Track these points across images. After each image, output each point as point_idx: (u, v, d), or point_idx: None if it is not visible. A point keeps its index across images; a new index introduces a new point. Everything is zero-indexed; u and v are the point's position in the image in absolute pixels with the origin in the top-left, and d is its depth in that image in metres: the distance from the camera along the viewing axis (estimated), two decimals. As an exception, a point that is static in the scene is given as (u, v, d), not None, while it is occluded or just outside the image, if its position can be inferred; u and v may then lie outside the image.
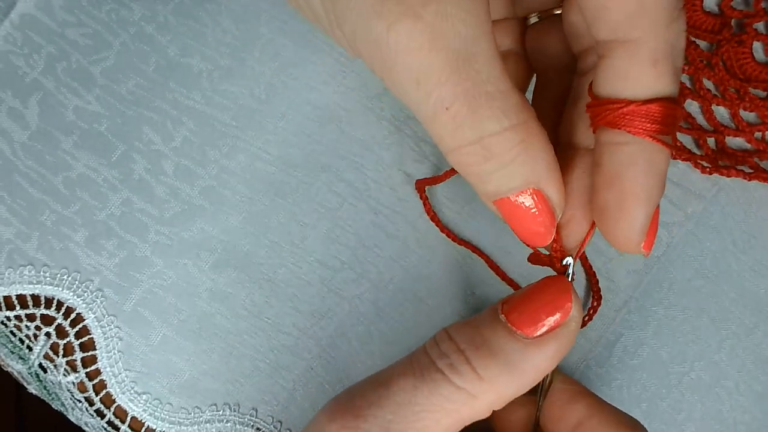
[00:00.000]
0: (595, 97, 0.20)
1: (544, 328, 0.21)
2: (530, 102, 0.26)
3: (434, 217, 0.31)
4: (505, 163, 0.20)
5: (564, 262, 0.23)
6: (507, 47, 0.26)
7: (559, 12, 0.25)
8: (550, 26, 0.25)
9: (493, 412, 0.27)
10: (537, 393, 0.25)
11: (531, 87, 0.27)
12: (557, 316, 0.21)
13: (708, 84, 0.32)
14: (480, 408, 0.21)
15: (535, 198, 0.21)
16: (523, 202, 0.21)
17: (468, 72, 0.19)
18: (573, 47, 0.24)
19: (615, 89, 0.20)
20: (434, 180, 0.30)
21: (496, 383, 0.21)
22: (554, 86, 0.25)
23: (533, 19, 0.26)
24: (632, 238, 0.21)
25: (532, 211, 0.21)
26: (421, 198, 0.31)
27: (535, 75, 0.27)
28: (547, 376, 0.24)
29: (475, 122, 0.19)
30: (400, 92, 0.20)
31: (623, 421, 0.23)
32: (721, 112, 0.32)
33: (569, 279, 0.23)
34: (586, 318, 0.31)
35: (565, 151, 0.23)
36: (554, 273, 0.24)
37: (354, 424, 0.20)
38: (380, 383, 0.21)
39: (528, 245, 0.23)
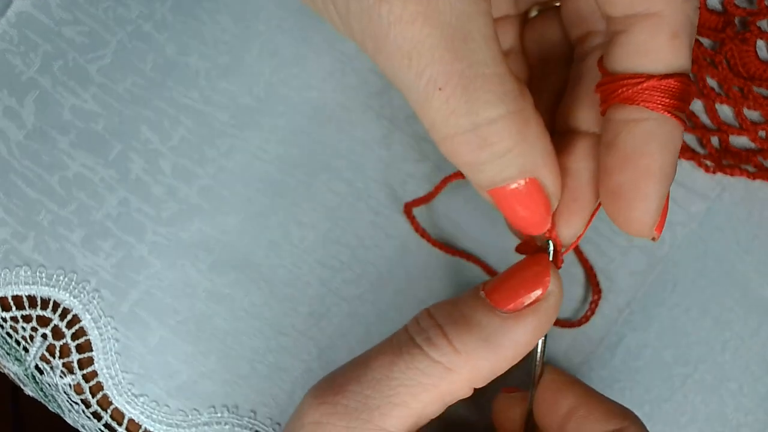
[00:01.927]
0: (609, 73, 0.20)
1: (523, 305, 0.21)
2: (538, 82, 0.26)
3: (424, 234, 0.31)
4: (501, 153, 0.19)
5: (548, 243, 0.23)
6: (509, 46, 0.26)
7: (558, 4, 0.25)
8: (546, 19, 0.25)
9: (492, 409, 0.26)
10: (530, 387, 0.25)
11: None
12: (537, 292, 0.21)
13: (711, 82, 0.32)
14: (458, 383, 0.21)
15: (531, 187, 0.20)
16: (518, 192, 0.20)
17: (464, 51, 0.18)
18: (572, 34, 0.24)
19: (633, 64, 0.19)
20: (423, 200, 0.30)
21: (473, 357, 0.21)
22: (550, 78, 0.25)
23: (533, 13, 0.25)
24: (647, 220, 0.20)
25: (528, 200, 0.20)
26: (408, 219, 0.31)
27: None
28: (537, 365, 0.24)
29: (470, 107, 0.18)
30: (392, 71, 0.19)
31: (612, 409, 0.23)
32: (725, 111, 0.32)
33: (550, 259, 0.23)
34: (588, 312, 0.31)
35: (560, 138, 0.23)
36: None
37: (333, 399, 0.21)
38: (360, 362, 0.22)
39: (522, 234, 0.23)
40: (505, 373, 0.22)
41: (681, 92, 0.19)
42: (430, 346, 0.21)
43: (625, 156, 0.20)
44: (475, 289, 0.22)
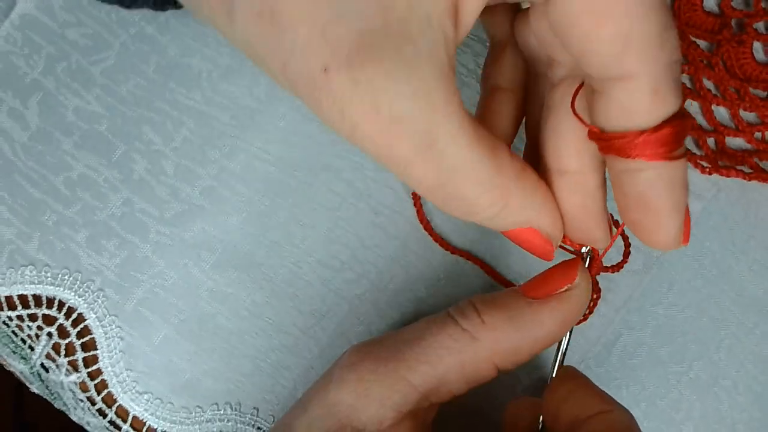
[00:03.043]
0: (599, 130, 0.20)
1: (548, 291, 0.23)
2: (526, 92, 0.24)
3: (427, 226, 0.31)
4: (490, 217, 0.20)
5: (582, 251, 0.24)
6: (504, 37, 0.24)
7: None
8: (537, 13, 0.24)
9: (504, 417, 0.27)
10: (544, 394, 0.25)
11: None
12: (565, 286, 0.23)
13: (708, 84, 0.32)
14: (480, 353, 0.23)
15: (530, 233, 0.22)
16: (518, 234, 0.22)
17: (433, 155, 0.18)
18: (533, 60, 0.23)
19: (619, 123, 0.18)
20: None
21: (497, 331, 0.22)
22: (544, 79, 0.24)
23: (525, 5, 0.24)
24: (671, 243, 0.21)
25: (529, 241, 0.22)
26: (415, 206, 0.31)
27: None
28: (556, 362, 0.25)
29: (452, 197, 0.19)
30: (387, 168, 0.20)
31: (605, 397, 0.24)
32: (721, 112, 0.32)
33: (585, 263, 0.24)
34: (587, 312, 0.31)
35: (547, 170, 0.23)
36: None
37: (369, 348, 0.23)
38: (402, 330, 0.24)
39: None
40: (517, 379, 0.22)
41: (676, 137, 0.18)
42: (461, 317, 0.23)
43: (634, 201, 0.20)
44: (514, 288, 0.24)
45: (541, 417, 0.25)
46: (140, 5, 0.25)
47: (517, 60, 0.24)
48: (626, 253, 0.31)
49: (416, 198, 0.31)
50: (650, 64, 0.17)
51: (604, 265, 0.26)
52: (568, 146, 0.21)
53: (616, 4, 0.16)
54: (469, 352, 0.22)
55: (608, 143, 0.19)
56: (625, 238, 0.31)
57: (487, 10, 0.24)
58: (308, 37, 0.15)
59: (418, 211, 0.31)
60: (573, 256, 0.24)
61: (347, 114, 0.16)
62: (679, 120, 0.18)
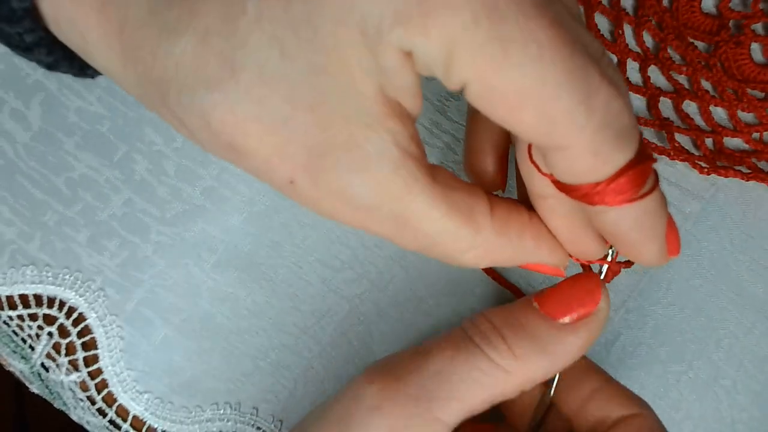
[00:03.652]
0: (556, 181, 0.20)
1: (575, 316, 0.22)
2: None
3: None
4: (482, 266, 0.21)
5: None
6: None
7: None
8: None
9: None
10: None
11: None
12: (588, 307, 0.23)
13: (706, 85, 0.33)
14: (511, 386, 0.22)
15: (538, 267, 0.23)
16: (525, 266, 0.22)
17: (410, 232, 0.19)
18: None
19: (571, 179, 0.19)
20: None
21: (529, 363, 0.22)
22: None
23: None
24: (656, 261, 0.21)
25: (539, 269, 0.23)
26: None
27: None
28: None
29: (439, 257, 0.20)
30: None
31: (631, 396, 0.25)
32: (719, 113, 0.32)
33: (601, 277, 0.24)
34: None
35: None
36: None
37: (395, 386, 0.22)
38: (418, 352, 0.23)
39: None
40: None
41: (634, 183, 0.18)
42: (490, 349, 0.22)
43: (607, 235, 0.21)
44: (526, 299, 0.23)
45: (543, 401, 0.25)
46: (63, 71, 0.24)
47: None
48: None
49: None
50: (580, 134, 0.17)
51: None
52: (539, 177, 0.21)
53: (529, 91, 0.16)
54: (500, 385, 0.22)
55: (569, 193, 0.19)
56: None
57: None
58: (267, 159, 0.18)
59: None
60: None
61: (323, 209, 0.19)
62: (635, 166, 0.18)
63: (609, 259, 0.24)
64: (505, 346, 0.22)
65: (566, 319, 0.22)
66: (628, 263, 0.24)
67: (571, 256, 0.23)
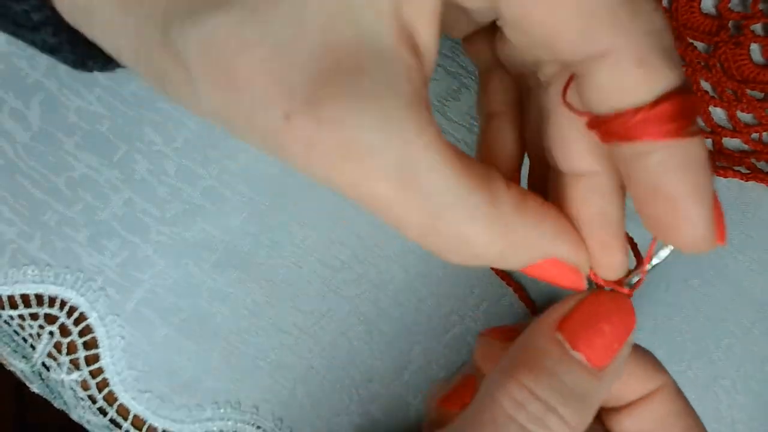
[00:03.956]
0: (593, 116, 0.18)
1: (615, 355, 0.20)
2: (522, 109, 0.23)
3: None
4: (496, 257, 0.18)
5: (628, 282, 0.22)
6: (487, 62, 0.23)
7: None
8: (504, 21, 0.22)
9: (474, 354, 0.25)
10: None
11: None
12: (626, 338, 0.21)
13: (705, 85, 0.33)
14: None
15: (552, 264, 0.19)
16: (542, 268, 0.19)
17: (416, 191, 0.16)
18: (516, 64, 0.21)
19: (611, 104, 0.17)
20: None
21: (582, 423, 0.20)
22: (536, 90, 0.22)
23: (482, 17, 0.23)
24: (701, 240, 0.18)
25: (555, 273, 0.19)
26: None
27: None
28: None
29: (447, 238, 0.17)
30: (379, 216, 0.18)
31: (648, 369, 0.23)
32: (719, 114, 0.33)
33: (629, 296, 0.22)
34: None
35: (556, 180, 0.21)
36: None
37: None
38: None
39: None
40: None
41: (678, 112, 0.16)
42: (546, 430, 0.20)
43: (649, 191, 0.17)
44: (556, 343, 0.20)
45: None
46: (65, 56, 0.24)
47: (505, 81, 0.23)
48: (643, 270, 0.25)
49: None
50: (625, 35, 0.16)
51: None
52: (577, 146, 0.19)
53: None
54: None
55: (608, 129, 0.17)
56: (638, 254, 0.27)
57: (466, 40, 0.23)
58: (265, 89, 0.16)
59: None
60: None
61: (317, 156, 0.16)
62: (679, 93, 0.16)
63: (632, 281, 0.21)
64: (565, 427, 0.20)
65: (611, 363, 0.20)
66: (636, 284, 0.22)
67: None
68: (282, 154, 0.16)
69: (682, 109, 0.16)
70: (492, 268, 0.31)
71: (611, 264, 0.20)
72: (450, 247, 0.17)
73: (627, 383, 0.22)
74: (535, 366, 0.20)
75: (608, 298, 0.21)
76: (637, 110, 0.16)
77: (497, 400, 0.20)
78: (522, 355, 0.20)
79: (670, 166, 0.17)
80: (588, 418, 0.20)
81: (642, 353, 0.23)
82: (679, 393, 0.23)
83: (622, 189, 0.20)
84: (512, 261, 0.18)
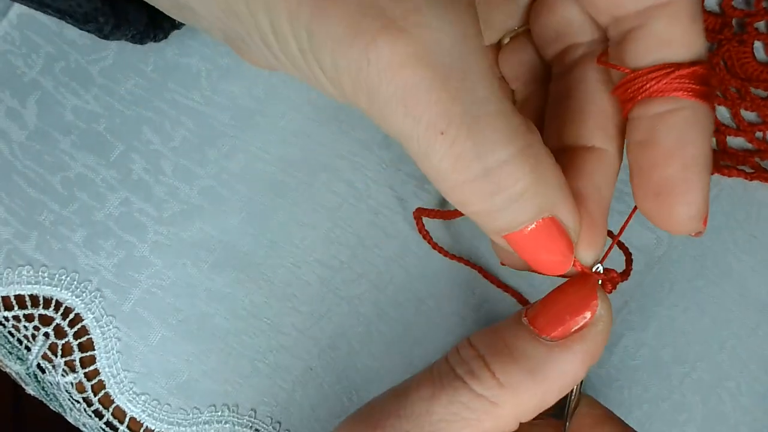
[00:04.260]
0: (630, 71, 0.19)
1: (570, 331, 0.20)
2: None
3: (426, 235, 0.31)
4: (517, 196, 0.18)
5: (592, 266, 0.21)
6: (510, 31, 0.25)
7: (523, 29, 0.24)
8: (517, 44, 0.25)
9: None
10: (563, 416, 0.23)
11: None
12: (584, 316, 0.20)
13: (709, 83, 0.32)
14: (503, 418, 0.19)
15: (550, 226, 0.19)
16: (536, 233, 0.19)
17: (462, 90, 0.17)
18: (547, 53, 0.23)
19: (658, 56, 0.19)
20: (436, 214, 0.29)
21: (519, 390, 0.19)
22: (530, 101, 0.24)
23: (506, 40, 0.25)
24: (696, 212, 0.19)
25: (548, 240, 0.19)
26: (417, 226, 0.31)
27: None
28: (573, 395, 0.22)
29: (478, 150, 0.17)
30: (388, 121, 0.17)
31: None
32: (722, 112, 0.32)
33: (596, 277, 0.21)
34: None
35: (559, 158, 0.22)
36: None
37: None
38: (399, 393, 0.20)
39: (544, 273, 0.21)
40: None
41: (709, 78, 0.19)
42: (473, 379, 0.19)
43: (668, 149, 0.19)
44: (517, 315, 0.21)
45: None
46: (118, 38, 0.25)
47: (504, 91, 0.24)
48: (628, 261, 0.26)
49: (419, 219, 0.31)
50: None
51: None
52: (594, 121, 0.21)
53: None
54: (489, 419, 0.19)
55: (642, 87, 0.19)
56: (622, 245, 0.27)
57: (507, 47, 0.25)
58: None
59: (420, 230, 0.31)
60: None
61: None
62: (708, 65, 0.18)
63: (600, 269, 0.21)
64: (489, 374, 0.19)
65: (561, 335, 0.20)
66: (625, 274, 0.22)
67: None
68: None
69: (709, 77, 0.18)
70: (486, 277, 0.31)
71: (594, 241, 0.20)
72: (478, 184, 0.17)
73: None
74: (488, 329, 0.20)
75: (574, 280, 0.21)
76: (678, 65, 0.18)
77: (446, 354, 0.21)
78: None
79: (694, 125, 0.18)
80: (526, 384, 0.19)
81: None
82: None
83: (615, 176, 0.21)
84: (527, 205, 0.18)
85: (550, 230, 0.19)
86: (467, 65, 0.17)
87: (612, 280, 0.21)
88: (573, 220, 0.19)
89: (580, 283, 0.20)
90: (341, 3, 0.16)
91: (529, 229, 0.19)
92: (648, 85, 0.19)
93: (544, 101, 0.23)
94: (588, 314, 0.20)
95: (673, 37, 0.19)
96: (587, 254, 0.21)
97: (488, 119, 0.17)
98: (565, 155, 0.21)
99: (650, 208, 0.20)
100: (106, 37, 0.25)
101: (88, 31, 0.25)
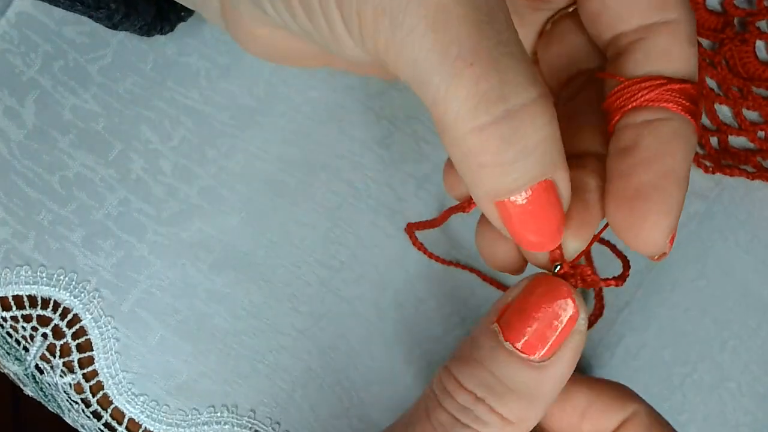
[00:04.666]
0: (625, 79, 0.20)
1: (557, 346, 0.20)
2: None
3: (422, 247, 0.31)
4: (531, 149, 0.17)
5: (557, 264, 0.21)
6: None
7: (572, 10, 0.23)
8: (564, 32, 0.24)
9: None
10: None
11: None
12: (563, 325, 0.20)
13: (711, 83, 0.32)
14: None
15: (547, 191, 0.18)
16: (532, 199, 0.18)
17: (490, 29, 0.16)
18: (553, 80, 0.24)
19: (655, 67, 0.20)
20: (426, 225, 0.29)
21: (525, 417, 0.20)
22: (577, 96, 0.24)
23: (547, 27, 0.24)
24: (668, 227, 0.19)
25: (540, 208, 0.18)
26: (411, 239, 0.31)
27: None
28: None
29: (503, 89, 0.16)
30: (411, 57, 0.16)
31: (621, 395, 0.23)
32: (724, 111, 0.32)
33: (564, 277, 0.21)
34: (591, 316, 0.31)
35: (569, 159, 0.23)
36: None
37: None
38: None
39: (530, 250, 0.20)
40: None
41: (698, 99, 0.20)
42: (482, 425, 0.20)
43: (650, 155, 0.19)
44: (491, 335, 0.20)
45: None
46: (126, 29, 0.25)
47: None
48: (625, 266, 0.25)
49: (411, 233, 0.31)
50: (688, 15, 0.20)
51: (606, 278, 0.22)
52: (596, 136, 0.21)
53: None
54: None
55: (635, 95, 0.20)
56: (617, 251, 0.26)
57: None
58: None
59: (414, 243, 0.31)
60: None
61: None
62: (698, 86, 0.20)
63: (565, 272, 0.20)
64: (497, 417, 0.19)
65: (549, 353, 0.20)
66: (621, 279, 0.22)
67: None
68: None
69: (698, 96, 0.20)
70: (484, 279, 0.31)
71: (584, 229, 0.20)
72: (497, 98, 0.16)
73: (599, 418, 0.23)
74: (465, 357, 0.20)
75: (543, 284, 0.20)
76: (672, 79, 0.19)
77: (432, 388, 0.20)
78: (461, 346, 0.21)
79: (679, 136, 0.19)
80: (531, 411, 0.20)
81: (609, 385, 0.24)
82: (654, 417, 0.23)
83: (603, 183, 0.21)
84: (537, 161, 0.17)
85: (547, 196, 0.18)
86: (494, 7, 0.17)
87: (583, 275, 0.21)
88: (568, 188, 0.19)
89: (552, 290, 0.20)
90: None
91: (526, 194, 0.18)
92: (640, 94, 0.20)
93: (590, 98, 0.24)
94: (566, 324, 0.20)
95: (670, 52, 0.20)
96: (575, 240, 0.20)
97: (513, 61, 0.16)
98: (569, 160, 0.21)
99: (621, 218, 0.19)
100: (115, 27, 0.25)
101: (97, 20, 0.25)
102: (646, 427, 0.23)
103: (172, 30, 0.29)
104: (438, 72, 0.16)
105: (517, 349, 0.20)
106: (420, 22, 0.16)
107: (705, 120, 0.32)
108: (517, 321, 0.20)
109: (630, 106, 0.20)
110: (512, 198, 0.18)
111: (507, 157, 0.17)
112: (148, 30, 0.27)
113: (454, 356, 0.21)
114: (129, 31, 0.27)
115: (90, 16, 0.25)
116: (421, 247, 0.31)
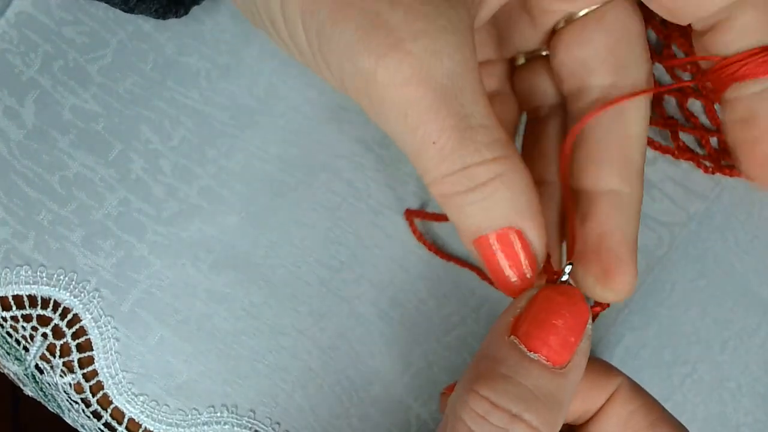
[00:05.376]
0: (721, 58, 0.22)
1: (575, 349, 0.20)
2: (521, 141, 0.27)
3: (421, 237, 0.31)
4: (487, 195, 0.20)
5: (564, 269, 0.22)
6: (493, 88, 0.27)
7: (545, 54, 0.26)
8: (538, 67, 0.26)
9: (442, 407, 0.26)
10: None
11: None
12: (581, 330, 0.20)
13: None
14: None
15: (515, 237, 0.20)
16: (501, 241, 0.20)
17: (455, 107, 0.19)
18: (564, 87, 0.25)
19: (751, 41, 0.22)
20: (425, 215, 0.30)
21: (555, 427, 0.20)
22: (547, 123, 0.26)
23: (520, 60, 0.26)
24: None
25: (511, 251, 0.20)
26: (410, 227, 0.31)
27: (524, 115, 0.27)
28: None
29: (461, 153, 0.19)
30: (387, 126, 0.20)
31: (607, 370, 0.24)
32: (724, 112, 0.32)
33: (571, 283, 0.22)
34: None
35: (580, 199, 0.24)
36: None
37: None
38: None
39: (504, 292, 0.22)
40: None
41: None
42: None
43: (745, 114, 0.22)
44: (511, 347, 0.20)
45: None
46: (142, 11, 0.26)
47: (506, 107, 0.27)
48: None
49: (410, 219, 0.31)
50: None
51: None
52: (612, 164, 0.22)
53: None
54: None
55: (737, 71, 0.21)
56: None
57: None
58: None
59: (414, 231, 0.31)
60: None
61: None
62: None
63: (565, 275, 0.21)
64: (524, 426, 0.19)
65: (570, 358, 0.20)
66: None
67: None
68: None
69: None
70: (484, 278, 0.31)
71: (624, 279, 0.22)
72: (457, 167, 0.20)
73: (585, 396, 0.23)
74: (492, 375, 0.20)
75: (557, 293, 0.21)
76: (762, 49, 0.21)
77: (459, 417, 0.20)
78: (479, 366, 0.20)
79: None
80: (559, 418, 0.20)
81: (593, 362, 0.24)
82: (637, 390, 0.24)
83: (639, 213, 0.23)
84: (496, 207, 0.20)
85: (515, 241, 0.20)
86: (462, 85, 0.19)
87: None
88: (538, 238, 0.20)
89: (569, 299, 0.21)
90: (357, 11, 0.18)
91: (495, 235, 0.20)
92: (745, 68, 0.21)
93: (557, 129, 0.25)
94: (584, 329, 0.21)
95: (757, 26, 0.21)
96: (618, 292, 0.22)
97: (473, 132, 0.19)
98: (586, 198, 0.23)
99: (759, 175, 0.23)
100: (131, 10, 0.27)
101: (113, 4, 0.26)
102: (630, 399, 0.23)
103: (186, 13, 0.29)
104: (410, 143, 0.20)
105: (544, 357, 0.20)
106: (393, 108, 0.19)
107: (705, 120, 0.32)
108: (538, 330, 0.20)
109: (740, 80, 0.22)
110: (484, 238, 0.21)
111: (468, 199, 0.20)
112: (163, 13, 0.28)
113: (477, 379, 0.20)
114: (144, 14, 0.28)
115: (106, 1, 0.25)
116: (420, 237, 0.31)
